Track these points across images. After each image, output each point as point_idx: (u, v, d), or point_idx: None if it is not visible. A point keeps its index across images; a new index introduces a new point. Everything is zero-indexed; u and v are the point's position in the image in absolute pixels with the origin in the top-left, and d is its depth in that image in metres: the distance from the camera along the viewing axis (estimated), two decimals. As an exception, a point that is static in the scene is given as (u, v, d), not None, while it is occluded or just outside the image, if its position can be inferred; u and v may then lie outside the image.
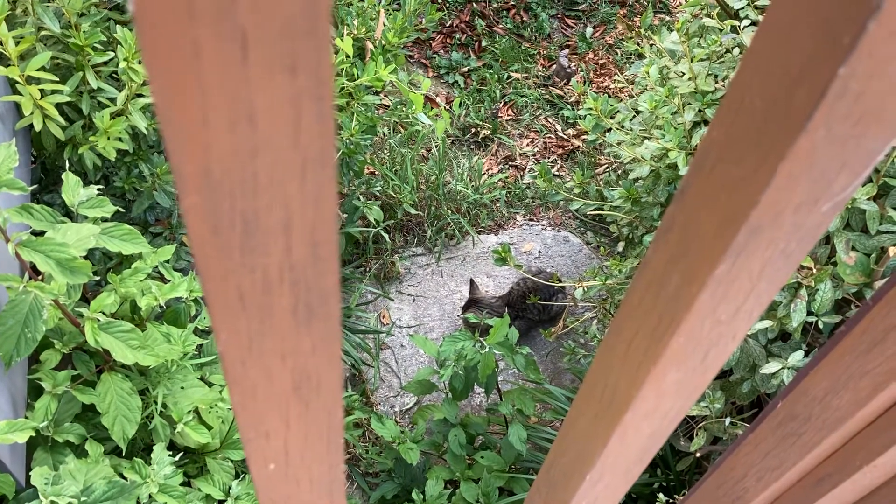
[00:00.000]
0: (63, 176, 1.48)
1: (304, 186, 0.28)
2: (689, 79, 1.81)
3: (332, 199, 0.29)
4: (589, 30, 3.73)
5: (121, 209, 1.85)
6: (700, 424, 1.72)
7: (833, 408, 0.71)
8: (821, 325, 1.49)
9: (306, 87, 0.25)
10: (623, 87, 3.29)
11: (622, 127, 2.02)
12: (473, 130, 3.33)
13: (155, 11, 0.22)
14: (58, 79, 1.61)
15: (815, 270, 1.47)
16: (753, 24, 1.79)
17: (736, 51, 1.78)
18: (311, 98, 0.25)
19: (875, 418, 0.71)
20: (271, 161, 0.27)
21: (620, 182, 2.25)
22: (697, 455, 1.77)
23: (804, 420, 0.75)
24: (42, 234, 1.39)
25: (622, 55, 3.63)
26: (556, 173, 3.24)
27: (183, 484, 1.64)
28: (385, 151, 2.99)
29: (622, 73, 3.51)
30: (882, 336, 0.64)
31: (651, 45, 2.06)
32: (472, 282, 2.66)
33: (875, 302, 0.65)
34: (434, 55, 3.63)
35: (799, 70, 0.32)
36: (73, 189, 1.47)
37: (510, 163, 3.28)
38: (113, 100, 1.75)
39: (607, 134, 2.05)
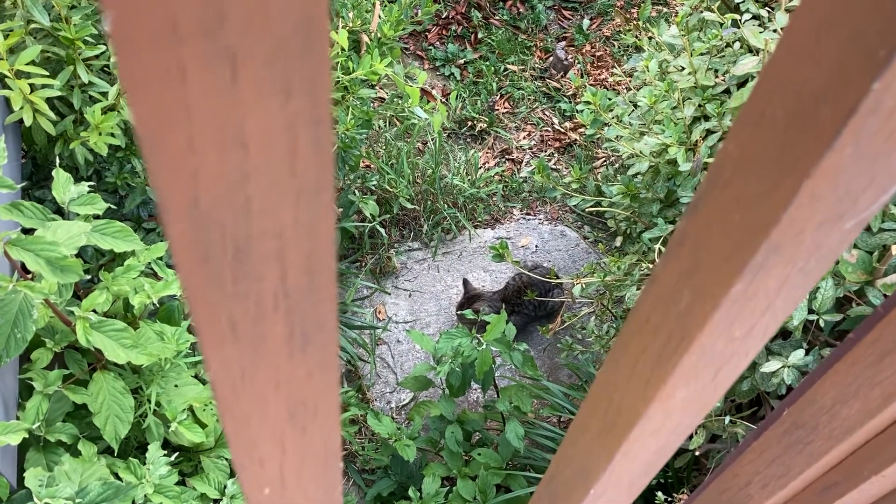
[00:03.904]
0: (53, 173, 1.46)
1: (299, 214, 0.26)
2: (689, 73, 1.78)
3: (330, 225, 0.27)
4: (586, 21, 3.70)
5: (112, 205, 1.82)
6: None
7: (841, 417, 0.70)
8: (822, 324, 1.48)
9: (302, 110, 0.23)
10: (620, 81, 3.27)
11: (620, 121, 2.00)
12: (470, 123, 3.31)
13: (135, 32, 0.20)
14: (48, 73, 1.58)
15: (816, 269, 1.45)
16: (754, 17, 1.77)
17: (736, 45, 1.76)
18: (307, 122, 0.23)
19: (885, 428, 0.70)
20: (265, 188, 0.25)
21: (619, 177, 2.23)
22: (696, 453, 1.76)
23: (811, 429, 0.74)
24: (32, 231, 1.36)
25: (619, 47, 3.60)
26: (553, 167, 3.22)
27: (178, 483, 1.63)
28: (381, 145, 2.97)
29: (619, 66, 3.48)
30: (894, 346, 0.62)
31: (650, 39, 2.04)
32: (465, 281, 2.64)
33: (886, 310, 0.64)
34: (430, 47, 3.60)
35: (827, 83, 0.30)
36: (63, 186, 1.45)
37: (507, 156, 3.26)
38: (105, 94, 1.72)
39: (605, 128, 2.03)
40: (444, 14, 3.70)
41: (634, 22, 2.15)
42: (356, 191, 2.65)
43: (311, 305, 0.30)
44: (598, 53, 3.60)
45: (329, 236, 0.28)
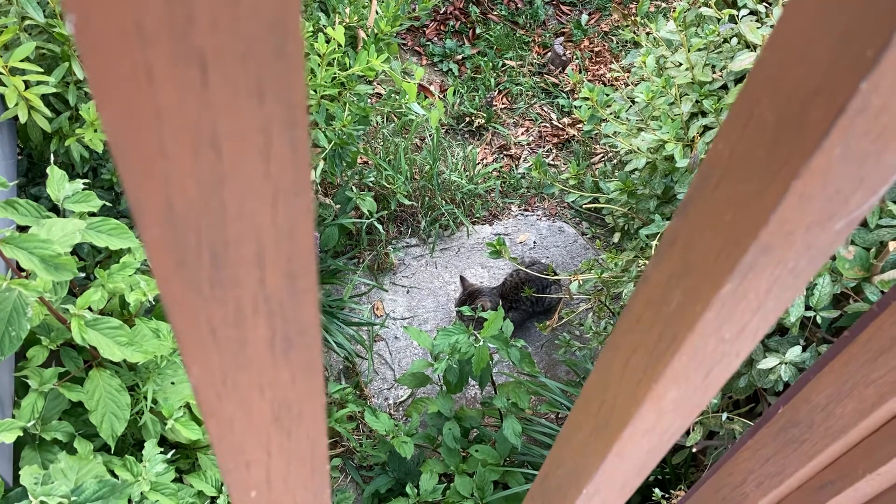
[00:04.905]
0: (48, 170, 1.45)
1: (276, 217, 0.26)
2: (687, 69, 1.78)
3: (309, 228, 0.27)
4: (584, 17, 3.69)
5: (108, 203, 1.82)
6: (696, 419, 1.70)
7: (836, 416, 0.69)
8: (819, 320, 1.47)
9: (276, 112, 0.22)
10: (618, 76, 3.26)
11: (618, 117, 1.99)
12: (468, 119, 3.30)
13: (100, 33, 0.19)
14: (43, 70, 1.58)
15: (813, 265, 1.45)
16: (752, 13, 1.76)
17: (734, 41, 1.75)
18: (282, 124, 0.23)
19: (880, 426, 0.69)
20: (240, 192, 0.24)
21: (616, 173, 2.22)
22: (694, 450, 1.75)
23: (806, 427, 0.73)
24: (27, 229, 1.36)
25: (618, 43, 3.59)
26: (552, 163, 3.21)
27: (175, 480, 1.63)
28: (378, 141, 2.96)
29: (618, 61, 3.47)
30: (889, 344, 0.62)
31: (647, 34, 2.03)
32: (462, 278, 2.64)
33: (881, 309, 0.63)
34: (428, 43, 3.59)
35: (816, 84, 0.30)
36: (58, 184, 1.44)
37: (505, 152, 3.25)
38: (100, 91, 1.71)
39: (603, 124, 2.03)
40: (442, 9, 3.69)
41: (632, 17, 2.15)
42: (354, 187, 2.65)
43: (292, 309, 0.30)
44: (596, 49, 3.59)
45: (308, 239, 0.27)
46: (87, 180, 1.56)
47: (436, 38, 3.62)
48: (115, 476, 1.48)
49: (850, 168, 0.32)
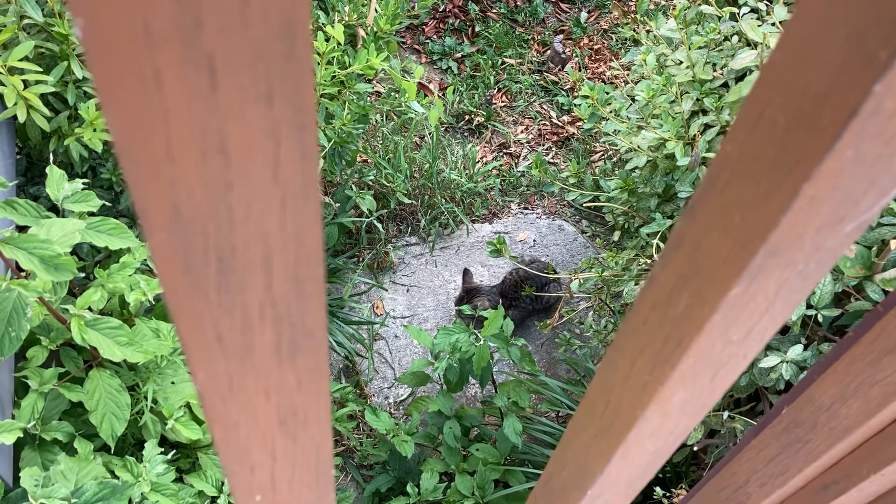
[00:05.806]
0: (47, 170, 1.45)
1: (284, 222, 0.25)
2: (687, 67, 1.77)
3: (317, 233, 0.26)
4: (584, 14, 3.68)
5: (107, 202, 1.81)
6: (697, 418, 1.70)
7: (841, 416, 0.69)
8: (820, 319, 1.47)
9: (285, 116, 0.22)
10: (618, 74, 3.25)
11: (618, 115, 1.99)
12: (467, 118, 3.29)
13: (107, 37, 0.19)
14: (41, 69, 1.57)
15: (814, 264, 1.45)
16: (753, 10, 1.76)
17: (735, 39, 1.75)
18: (291, 128, 0.22)
19: (884, 427, 0.69)
20: (248, 196, 0.24)
21: (616, 171, 2.22)
22: (695, 448, 1.75)
23: (810, 427, 0.73)
24: (27, 229, 1.35)
25: (617, 41, 3.59)
26: (551, 161, 3.20)
27: (175, 480, 1.62)
28: (378, 140, 2.96)
29: (617, 59, 3.47)
30: (894, 345, 0.62)
31: (647, 32, 2.03)
32: (466, 271, 2.63)
33: (887, 308, 0.63)
34: (427, 41, 3.58)
35: (828, 86, 0.29)
36: (57, 183, 1.44)
37: (504, 150, 3.25)
38: (99, 90, 1.70)
39: (603, 122, 2.02)
40: (441, 7, 3.68)
41: (632, 15, 2.14)
42: (353, 186, 2.64)
43: (299, 314, 0.30)
44: (595, 47, 3.59)
45: (316, 244, 0.27)
46: (86, 180, 1.55)
47: (435, 37, 3.62)
48: (116, 476, 1.48)
49: (862, 170, 0.32)
